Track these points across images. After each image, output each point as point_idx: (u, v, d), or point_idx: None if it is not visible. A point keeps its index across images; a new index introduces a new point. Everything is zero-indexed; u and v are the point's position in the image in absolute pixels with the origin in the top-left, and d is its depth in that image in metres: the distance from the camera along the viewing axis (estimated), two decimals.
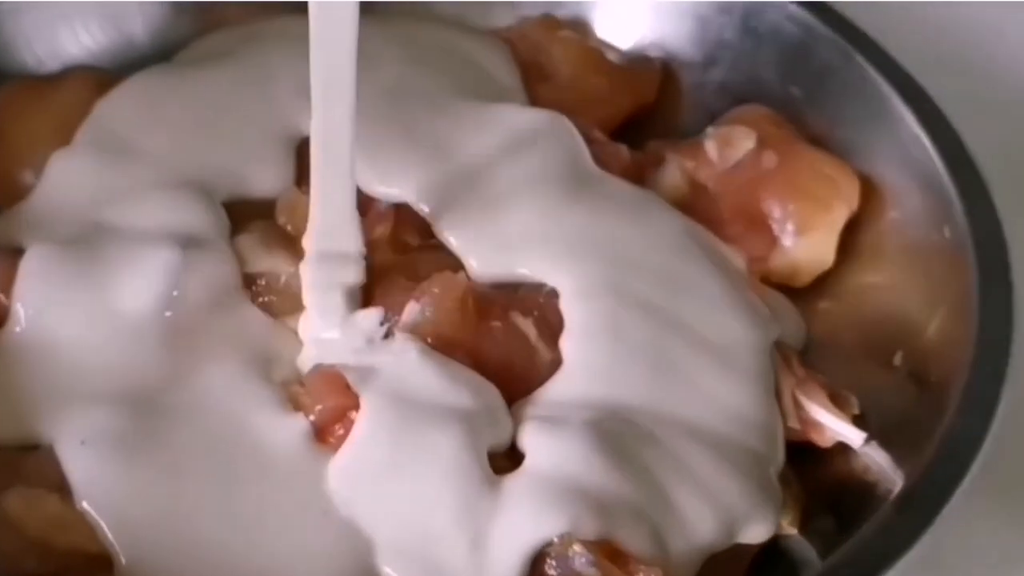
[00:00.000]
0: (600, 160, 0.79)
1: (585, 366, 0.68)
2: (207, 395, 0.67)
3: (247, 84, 0.81)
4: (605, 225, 0.75)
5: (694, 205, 0.80)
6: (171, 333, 0.68)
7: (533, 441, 0.64)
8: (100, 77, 0.81)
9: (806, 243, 0.79)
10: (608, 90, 0.87)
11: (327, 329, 0.70)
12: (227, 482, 0.63)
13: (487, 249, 0.73)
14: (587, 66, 0.88)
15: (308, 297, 0.69)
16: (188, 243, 0.70)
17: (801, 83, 0.84)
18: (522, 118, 0.79)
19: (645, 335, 0.69)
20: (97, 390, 0.66)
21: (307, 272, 0.69)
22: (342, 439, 0.64)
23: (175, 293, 0.69)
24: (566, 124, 0.79)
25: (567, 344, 0.69)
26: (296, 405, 0.66)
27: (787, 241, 0.79)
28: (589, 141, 0.79)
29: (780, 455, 0.69)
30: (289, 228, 0.74)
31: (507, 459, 0.65)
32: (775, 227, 0.79)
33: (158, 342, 0.68)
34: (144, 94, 0.80)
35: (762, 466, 0.68)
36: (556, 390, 0.68)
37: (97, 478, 0.62)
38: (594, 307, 0.70)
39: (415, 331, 0.68)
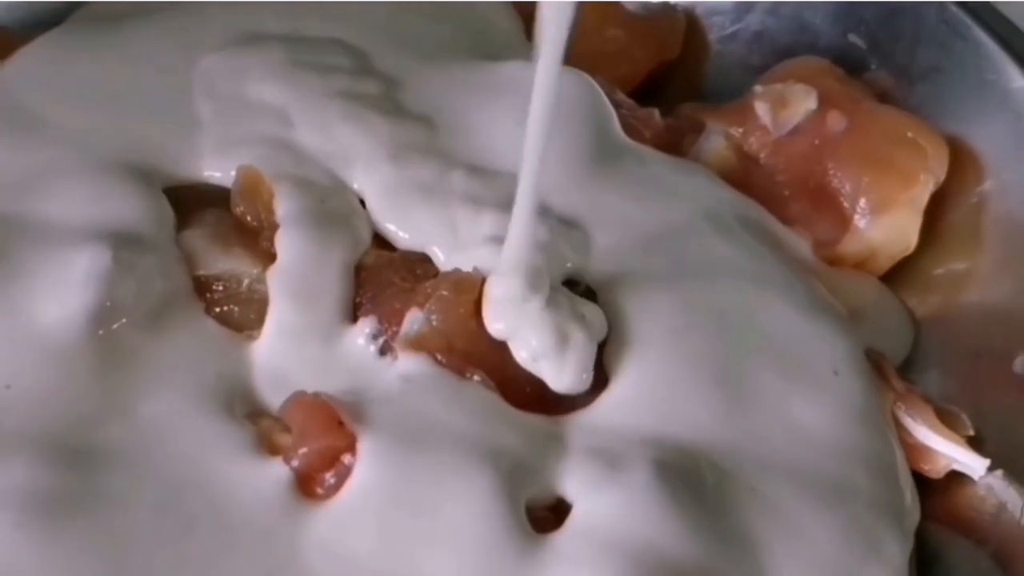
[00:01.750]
0: (628, 127, 0.72)
1: (639, 385, 0.61)
2: (153, 437, 0.58)
3: (181, 40, 0.74)
4: (645, 206, 0.68)
5: (744, 180, 0.73)
6: (105, 357, 0.60)
7: (582, 485, 0.56)
8: (1, 37, 0.74)
9: (884, 223, 0.71)
10: (626, 44, 0.81)
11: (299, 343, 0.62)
12: (183, 553, 0.55)
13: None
14: (601, 16, 0.81)
15: None
16: (122, 241, 0.62)
17: (863, 29, 0.77)
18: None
19: (712, 345, 0.62)
20: (11, 436, 0.57)
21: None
22: (332, 491, 0.56)
23: (107, 304, 0.61)
24: (590, 84, 0.72)
25: (614, 356, 0.62)
26: (271, 447, 0.58)
27: (861, 221, 0.71)
28: (615, 105, 0.73)
29: (908, 499, 0.62)
30: (249, 219, 0.66)
31: (547, 508, 0.57)
32: (846, 204, 0.71)
33: (88, 370, 0.59)
34: (57, 57, 0.73)
35: (885, 517, 0.60)
36: (603, 414, 0.60)
37: (15, 554, 0.53)
38: (644, 309, 0.63)
39: (420, 346, 0.60)
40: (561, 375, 0.60)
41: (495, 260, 0.62)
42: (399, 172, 0.67)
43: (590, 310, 0.61)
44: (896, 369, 0.67)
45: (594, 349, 0.60)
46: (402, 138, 0.69)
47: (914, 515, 0.61)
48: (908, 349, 0.70)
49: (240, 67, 0.71)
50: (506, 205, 0.66)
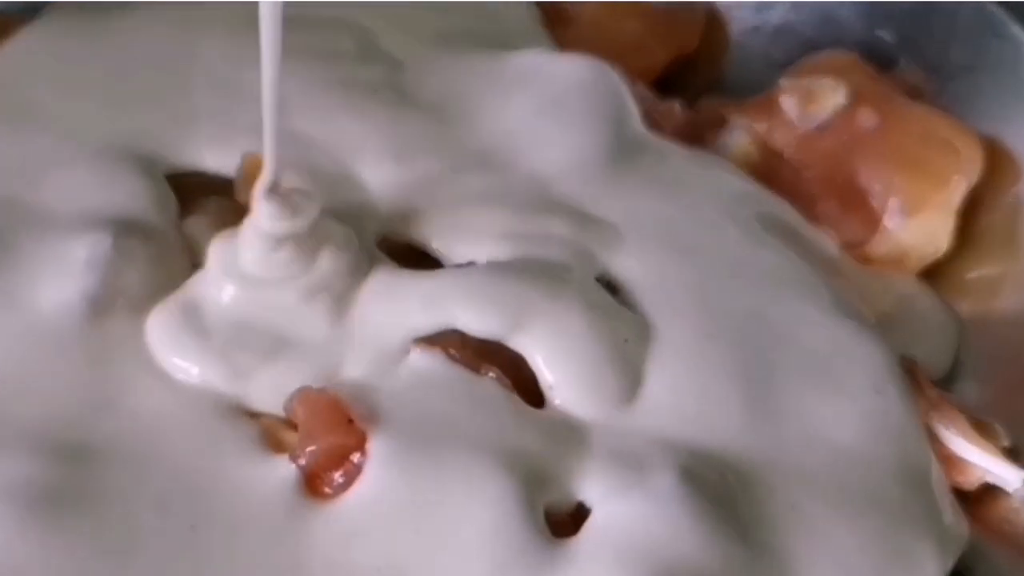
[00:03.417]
0: (649, 120, 0.70)
1: (665, 388, 0.59)
2: (154, 431, 0.56)
3: (180, 24, 0.72)
4: (668, 202, 0.66)
5: (769, 177, 0.71)
6: (104, 346, 0.58)
7: (603, 488, 0.54)
8: None
9: (916, 225, 0.70)
10: (643, 36, 0.79)
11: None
12: (186, 551, 0.53)
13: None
14: (619, 7, 0.79)
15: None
16: (123, 227, 0.61)
17: (893, 24, 0.75)
18: (552, 68, 0.70)
19: (741, 350, 0.60)
20: (10, 428, 0.55)
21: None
22: (341, 490, 0.54)
23: (107, 292, 0.59)
24: (612, 75, 0.70)
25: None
26: (276, 444, 0.56)
27: (891, 223, 0.69)
28: (635, 97, 0.70)
29: (949, 516, 0.59)
30: None
31: (567, 513, 0.55)
32: (876, 205, 0.70)
33: (87, 359, 0.58)
34: (54, 42, 0.71)
35: (923, 533, 0.57)
36: (627, 416, 0.58)
37: (17, 549, 0.51)
38: (670, 309, 0.61)
39: (432, 340, 0.58)
40: (579, 407, 0.57)
41: (505, 257, 0.61)
42: (405, 169, 0.65)
43: (634, 334, 0.59)
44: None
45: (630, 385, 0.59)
46: (408, 132, 0.67)
47: (956, 531, 0.59)
48: (953, 355, 0.68)
49: (240, 52, 0.68)
50: (518, 201, 0.64)
